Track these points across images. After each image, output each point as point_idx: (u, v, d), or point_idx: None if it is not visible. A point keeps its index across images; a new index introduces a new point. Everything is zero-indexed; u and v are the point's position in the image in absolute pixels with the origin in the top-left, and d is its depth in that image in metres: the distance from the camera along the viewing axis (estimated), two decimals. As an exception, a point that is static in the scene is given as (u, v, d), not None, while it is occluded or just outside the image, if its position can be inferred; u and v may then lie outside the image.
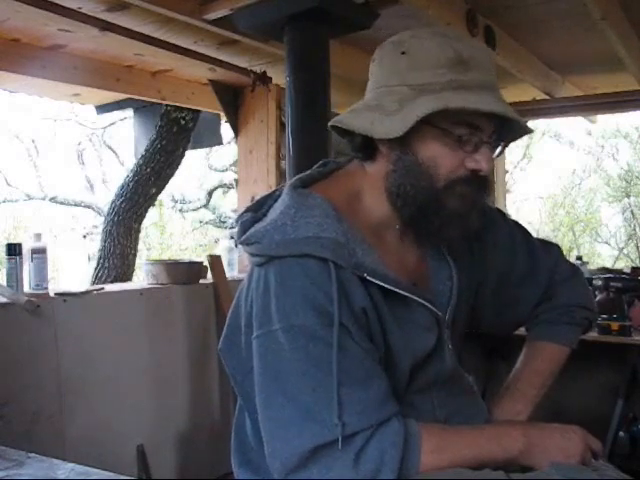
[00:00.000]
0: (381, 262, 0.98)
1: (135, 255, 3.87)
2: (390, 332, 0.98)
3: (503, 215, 1.26)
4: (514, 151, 8.72)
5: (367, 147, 1.03)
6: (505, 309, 1.24)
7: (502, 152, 1.07)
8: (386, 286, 0.95)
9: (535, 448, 0.96)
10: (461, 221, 1.01)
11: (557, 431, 1.00)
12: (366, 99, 1.04)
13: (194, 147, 3.81)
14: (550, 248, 1.27)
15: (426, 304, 1.02)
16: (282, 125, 3.13)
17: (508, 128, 1.03)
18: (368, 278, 0.94)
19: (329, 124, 1.06)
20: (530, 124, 1.12)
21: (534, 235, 1.27)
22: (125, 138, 6.59)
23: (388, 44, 1.04)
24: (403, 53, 0.99)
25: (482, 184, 1.01)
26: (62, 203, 7.49)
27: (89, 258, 6.65)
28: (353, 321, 0.91)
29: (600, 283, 2.82)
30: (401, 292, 0.97)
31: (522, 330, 1.29)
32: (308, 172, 1.10)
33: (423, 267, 1.10)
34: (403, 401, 0.99)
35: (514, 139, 1.07)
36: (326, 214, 0.96)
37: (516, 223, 1.26)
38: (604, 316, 2.56)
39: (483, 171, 0.99)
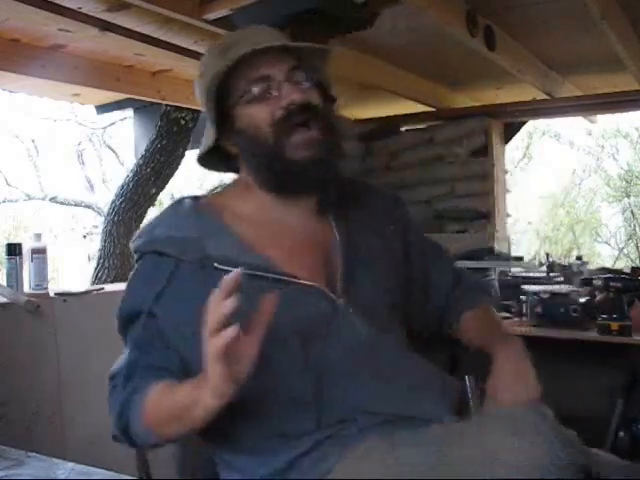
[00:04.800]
0: (244, 249, 1.03)
1: (135, 255, 3.86)
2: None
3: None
4: (514, 151, 8.72)
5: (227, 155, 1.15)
6: (424, 296, 1.27)
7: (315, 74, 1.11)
8: (230, 269, 0.98)
9: None
10: (314, 167, 1.03)
11: None
12: None
13: (194, 147, 3.80)
14: None
15: (282, 278, 1.02)
16: (282, 125, 3.12)
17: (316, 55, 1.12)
18: (218, 267, 1.01)
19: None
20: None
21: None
22: (125, 138, 6.59)
23: None
24: (196, 79, 1.15)
25: (317, 121, 1.04)
26: (62, 203, 7.49)
27: (89, 258, 6.64)
28: (171, 312, 1.02)
29: (600, 283, 2.82)
30: (254, 273, 0.99)
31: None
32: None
33: (307, 241, 1.11)
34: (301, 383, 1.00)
35: (321, 67, 1.14)
36: (187, 216, 1.09)
37: None
38: (604, 316, 2.56)
39: (295, 99, 1.03)
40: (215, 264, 1.01)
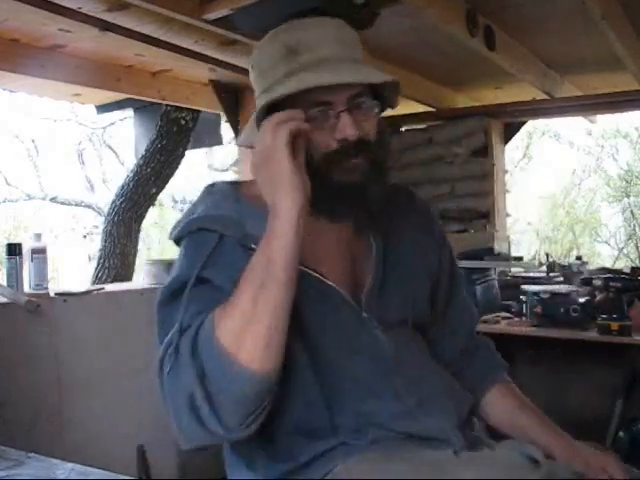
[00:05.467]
0: None
1: (135, 255, 3.87)
2: None
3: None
4: (514, 151, 8.72)
5: None
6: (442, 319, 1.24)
7: (381, 109, 1.08)
8: None
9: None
10: (357, 192, 1.02)
11: None
12: None
13: (194, 147, 3.81)
14: None
15: (312, 273, 1.03)
16: (282, 125, 3.13)
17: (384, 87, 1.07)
18: (253, 247, 0.99)
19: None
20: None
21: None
22: (125, 138, 6.60)
23: None
24: (252, 67, 1.11)
25: (368, 154, 1.02)
26: (62, 203, 7.51)
27: (89, 258, 6.65)
28: (222, 278, 0.99)
29: (600, 283, 2.82)
30: None
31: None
32: None
33: (340, 248, 1.11)
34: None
35: (390, 96, 1.09)
36: (225, 197, 1.09)
37: None
38: (604, 316, 2.56)
39: (349, 136, 1.00)
40: (252, 245, 0.98)
